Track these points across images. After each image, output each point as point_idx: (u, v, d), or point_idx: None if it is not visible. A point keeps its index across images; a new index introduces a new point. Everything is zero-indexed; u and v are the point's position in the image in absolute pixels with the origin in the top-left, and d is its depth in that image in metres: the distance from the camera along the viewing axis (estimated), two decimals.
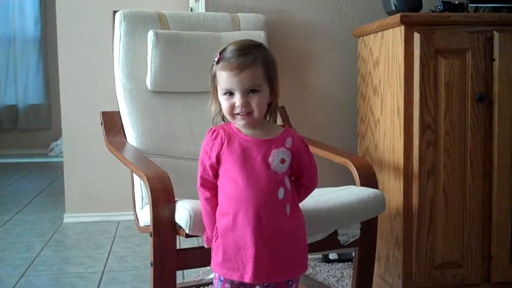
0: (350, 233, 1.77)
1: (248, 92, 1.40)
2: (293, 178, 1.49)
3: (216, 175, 1.46)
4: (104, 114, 2.24)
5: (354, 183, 1.94)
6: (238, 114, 1.42)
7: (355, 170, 1.91)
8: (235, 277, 1.41)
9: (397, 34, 2.10)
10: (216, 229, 1.45)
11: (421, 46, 2.02)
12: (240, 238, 1.39)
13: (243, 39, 1.53)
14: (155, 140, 2.14)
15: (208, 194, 1.48)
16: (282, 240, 1.41)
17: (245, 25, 2.42)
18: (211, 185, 1.47)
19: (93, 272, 2.66)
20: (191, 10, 3.02)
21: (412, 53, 2.04)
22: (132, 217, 2.14)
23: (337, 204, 1.69)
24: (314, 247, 1.69)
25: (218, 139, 1.44)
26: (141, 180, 1.90)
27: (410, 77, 2.06)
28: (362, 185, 1.88)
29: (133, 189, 2.07)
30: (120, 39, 2.25)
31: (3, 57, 7.40)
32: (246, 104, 1.40)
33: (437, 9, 2.19)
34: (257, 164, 1.41)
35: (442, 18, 2.06)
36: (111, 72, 2.31)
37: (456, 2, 2.19)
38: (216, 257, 1.44)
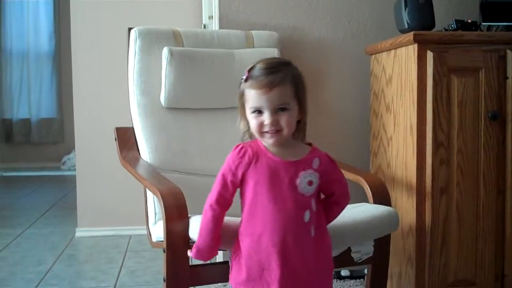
0: (364, 250, 1.77)
1: (277, 110, 1.40)
2: (323, 197, 1.50)
3: (234, 193, 1.45)
4: (118, 129, 2.26)
5: (366, 201, 1.94)
6: (267, 132, 1.41)
7: (368, 188, 1.91)
8: None
9: (410, 52, 2.11)
10: (238, 247, 1.45)
11: (434, 64, 2.02)
12: (264, 259, 1.39)
13: (270, 57, 1.53)
14: (169, 156, 2.15)
15: (219, 211, 1.46)
16: (307, 263, 1.41)
17: (259, 42, 2.44)
18: (226, 203, 1.46)
19: (105, 287, 2.66)
20: (205, 27, 3.04)
21: (425, 71, 2.05)
22: (144, 232, 2.15)
23: (350, 221, 1.69)
24: None
25: (246, 157, 1.43)
26: (155, 196, 1.91)
27: (423, 95, 2.06)
28: (375, 202, 1.88)
29: (146, 205, 2.08)
30: (135, 55, 2.27)
31: (17, 72, 7.47)
32: (275, 123, 1.39)
33: (450, 28, 2.20)
34: (285, 186, 1.40)
35: (455, 36, 2.07)
36: (124, 88, 2.33)
37: (469, 21, 2.20)
38: (238, 275, 1.44)
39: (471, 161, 2.07)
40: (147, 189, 2.02)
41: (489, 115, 2.05)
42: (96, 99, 3.55)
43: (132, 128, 2.23)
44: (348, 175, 2.07)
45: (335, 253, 1.70)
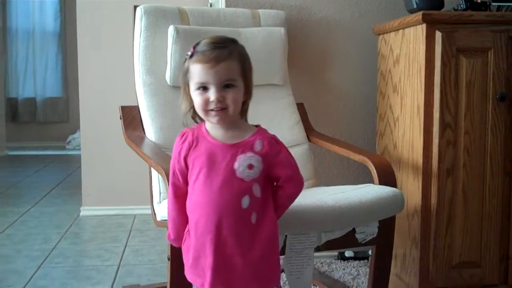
0: (368, 231, 1.76)
1: (224, 86, 1.34)
2: (274, 182, 1.44)
3: (186, 181, 1.41)
4: (123, 108, 2.25)
5: (372, 181, 1.93)
6: (212, 110, 1.35)
7: (374, 169, 1.90)
8: (198, 283, 1.38)
9: (418, 32, 2.08)
10: (187, 231, 1.43)
11: (443, 44, 2.00)
12: (200, 246, 1.36)
13: (217, 34, 1.45)
14: (174, 135, 2.12)
15: (175, 199, 1.44)
16: (244, 251, 1.35)
17: (266, 21, 2.41)
18: (180, 190, 1.43)
19: (109, 265, 2.68)
20: (211, 5, 3.02)
21: (434, 51, 2.03)
22: (149, 211, 2.15)
23: (356, 202, 1.68)
24: (332, 245, 1.69)
25: (186, 142, 1.39)
26: (159, 175, 1.90)
27: (431, 75, 2.04)
28: (380, 183, 1.87)
29: (151, 184, 2.08)
30: (140, 33, 2.25)
31: (23, 51, 7.48)
32: (221, 99, 1.34)
33: (459, 8, 2.17)
34: (221, 171, 1.35)
35: (465, 16, 2.04)
36: (130, 67, 2.31)
37: (479, 1, 2.17)
38: (185, 261, 1.43)
39: (478, 142, 2.05)
40: (152, 168, 2.02)
41: (497, 96, 2.03)
42: (102, 78, 3.54)
43: (137, 107, 2.22)
44: (354, 156, 2.07)
45: (339, 233, 1.70)
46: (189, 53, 1.38)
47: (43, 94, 7.57)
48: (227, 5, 2.57)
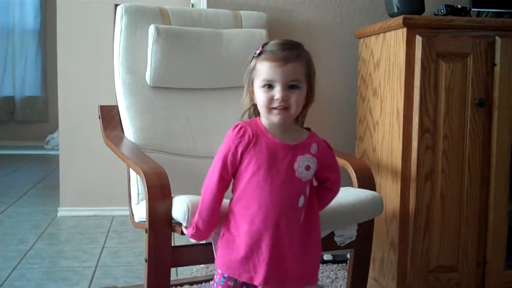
0: (347, 234, 1.76)
1: (289, 87, 1.37)
2: (317, 183, 1.49)
3: (233, 175, 1.43)
4: (102, 108, 2.23)
5: (351, 185, 1.93)
6: (275, 108, 1.37)
7: (353, 172, 1.90)
8: (244, 278, 1.40)
9: (399, 37, 2.09)
10: (226, 227, 1.43)
11: (423, 49, 2.01)
12: (255, 241, 1.38)
13: (285, 38, 1.48)
14: (153, 135, 2.13)
15: (219, 193, 1.43)
16: (296, 249, 1.41)
17: (247, 22, 2.41)
18: (226, 184, 1.44)
19: (86, 267, 2.65)
20: (192, 6, 3.01)
21: (413, 55, 2.04)
22: (127, 212, 2.13)
23: (335, 205, 1.68)
24: None
25: (246, 137, 1.39)
26: (138, 176, 1.89)
27: (411, 79, 2.05)
28: (359, 186, 1.87)
29: (129, 184, 2.06)
30: (120, 33, 2.23)
31: (2, 49, 7.38)
32: (285, 98, 1.36)
33: (439, 13, 2.19)
34: (283, 169, 1.38)
35: (445, 21, 2.05)
36: (110, 66, 2.29)
37: (459, 6, 2.19)
38: (225, 254, 1.42)
39: (456, 147, 2.06)
40: (130, 169, 2.00)
41: (476, 101, 2.05)
42: (81, 77, 3.51)
43: (117, 107, 2.20)
44: None
45: None
46: (258, 51, 1.41)
47: (22, 92, 7.48)
48: (208, 6, 2.56)
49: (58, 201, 3.62)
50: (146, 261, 1.57)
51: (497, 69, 2.06)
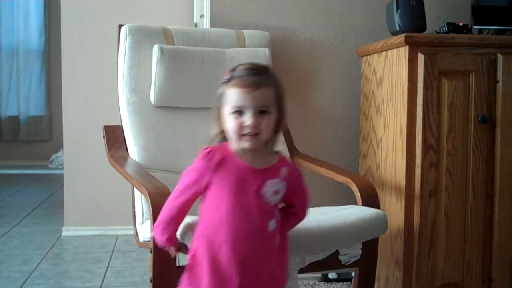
0: (352, 253, 1.76)
1: (259, 112, 1.36)
2: (285, 206, 1.47)
3: (196, 197, 1.42)
4: (107, 128, 2.24)
5: (355, 203, 1.93)
6: (245, 134, 1.36)
7: (357, 190, 1.91)
8: None
9: (401, 54, 2.10)
10: (197, 249, 1.41)
11: (425, 66, 2.02)
12: (226, 268, 1.35)
13: (249, 62, 1.46)
14: (157, 155, 2.13)
15: (178, 215, 1.43)
16: (270, 270, 1.39)
17: (250, 42, 2.42)
18: (188, 206, 1.43)
19: (91, 287, 2.64)
20: (196, 25, 3.03)
21: (416, 73, 2.05)
22: (131, 232, 2.13)
23: (339, 223, 1.68)
24: (316, 267, 1.68)
25: (214, 161, 1.39)
26: (142, 195, 1.89)
27: (414, 97, 2.06)
28: (363, 204, 1.87)
29: (133, 204, 2.06)
30: (125, 53, 2.25)
31: (7, 68, 7.42)
32: (256, 124, 1.35)
33: (441, 30, 2.20)
34: (251, 194, 1.37)
35: (447, 39, 2.06)
36: (113, 86, 2.31)
37: (460, 24, 2.20)
38: (196, 279, 1.40)
39: (460, 164, 2.07)
40: (135, 189, 2.00)
41: (479, 118, 2.05)
42: (86, 97, 3.52)
43: (121, 127, 2.22)
44: (337, 177, 2.07)
45: (323, 255, 1.70)
46: (226, 77, 1.39)
47: (26, 112, 7.50)
48: (212, 26, 2.58)
49: (63, 221, 3.61)
50: (150, 281, 1.57)
51: (499, 86, 2.06)
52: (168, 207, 1.44)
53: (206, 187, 1.40)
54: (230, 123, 1.38)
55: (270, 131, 1.40)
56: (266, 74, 1.39)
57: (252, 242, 1.36)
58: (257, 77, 1.37)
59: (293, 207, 1.48)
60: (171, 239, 1.45)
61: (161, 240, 1.45)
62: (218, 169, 1.38)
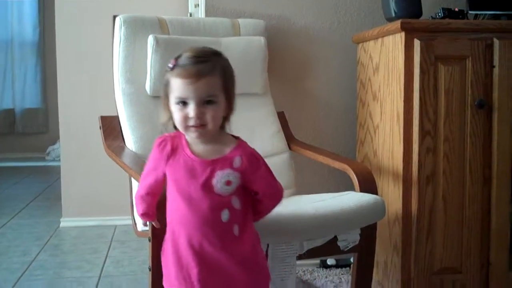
0: (350, 238, 1.77)
1: (204, 103, 1.32)
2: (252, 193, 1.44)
3: (159, 181, 1.43)
4: (103, 118, 2.24)
5: (353, 189, 1.93)
6: (191, 126, 1.33)
7: (355, 176, 1.91)
8: None
9: (397, 41, 2.10)
10: (165, 241, 1.43)
11: (421, 52, 2.02)
12: (185, 259, 1.36)
13: (201, 46, 1.40)
14: None
15: (151, 200, 1.47)
16: (229, 262, 1.36)
17: (245, 30, 2.42)
18: (156, 185, 1.44)
19: (90, 277, 2.65)
20: (191, 15, 3.02)
21: (412, 59, 2.05)
22: (129, 222, 2.13)
23: (337, 210, 1.69)
24: (314, 253, 1.69)
25: (164, 152, 1.38)
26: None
27: (410, 83, 2.06)
28: (361, 191, 1.88)
29: (131, 194, 2.07)
30: (120, 43, 2.24)
31: (1, 61, 7.39)
32: (200, 116, 1.31)
33: (437, 16, 2.19)
34: (199, 187, 1.34)
35: (443, 25, 2.06)
36: (109, 77, 2.30)
37: (456, 9, 2.20)
38: (167, 270, 1.42)
39: (457, 149, 2.07)
40: (132, 178, 2.01)
41: (476, 103, 2.05)
42: (81, 88, 3.51)
43: (117, 117, 2.21)
44: (334, 164, 2.07)
45: (321, 241, 1.70)
46: (170, 65, 1.35)
47: (22, 105, 7.48)
48: (207, 15, 2.57)
49: (60, 212, 3.62)
50: (149, 269, 1.58)
51: (496, 70, 2.06)
52: (139, 187, 1.49)
53: (164, 174, 1.40)
54: (175, 114, 1.35)
55: (218, 121, 1.36)
56: (211, 61, 1.34)
57: (204, 233, 1.34)
58: (201, 65, 1.31)
59: (257, 194, 1.43)
60: (147, 215, 1.50)
61: (139, 215, 1.52)
62: (169, 160, 1.38)
